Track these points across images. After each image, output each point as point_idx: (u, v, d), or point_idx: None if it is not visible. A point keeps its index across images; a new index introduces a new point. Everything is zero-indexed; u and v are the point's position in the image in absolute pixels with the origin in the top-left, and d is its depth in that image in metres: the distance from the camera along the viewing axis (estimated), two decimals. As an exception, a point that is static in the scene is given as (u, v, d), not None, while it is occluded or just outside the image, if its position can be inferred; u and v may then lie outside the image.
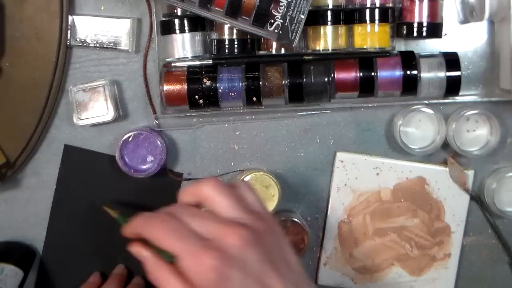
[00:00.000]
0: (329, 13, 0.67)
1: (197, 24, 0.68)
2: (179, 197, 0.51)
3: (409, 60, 0.68)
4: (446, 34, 0.72)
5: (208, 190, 0.49)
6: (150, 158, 0.71)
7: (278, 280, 0.46)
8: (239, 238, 0.46)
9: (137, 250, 0.49)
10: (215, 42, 0.69)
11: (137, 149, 0.70)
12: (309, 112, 0.72)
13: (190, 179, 0.74)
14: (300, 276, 0.49)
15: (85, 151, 0.73)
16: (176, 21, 0.68)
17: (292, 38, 0.64)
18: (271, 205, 0.69)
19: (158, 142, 0.70)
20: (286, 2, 0.62)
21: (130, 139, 0.70)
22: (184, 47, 0.68)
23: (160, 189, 0.74)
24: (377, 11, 0.67)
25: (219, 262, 0.44)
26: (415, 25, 0.68)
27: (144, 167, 0.71)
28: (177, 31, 0.68)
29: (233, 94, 0.68)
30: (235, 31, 0.68)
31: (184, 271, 0.45)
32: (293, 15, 0.63)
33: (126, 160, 0.70)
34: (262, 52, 0.69)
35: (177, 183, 0.74)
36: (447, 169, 0.72)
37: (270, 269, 0.46)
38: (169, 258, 0.46)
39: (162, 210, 0.49)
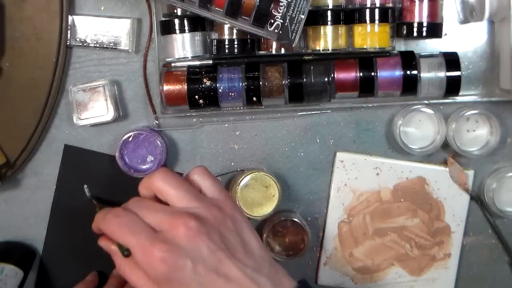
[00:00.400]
0: (329, 13, 0.67)
1: (197, 24, 0.68)
2: (138, 189, 0.52)
3: (409, 60, 0.68)
4: (446, 34, 0.72)
5: (157, 183, 0.50)
6: (150, 158, 0.71)
7: (235, 266, 0.47)
8: (186, 229, 0.46)
9: (104, 244, 0.50)
10: (215, 42, 0.69)
11: (137, 149, 0.70)
12: (309, 112, 0.72)
13: None
14: (262, 261, 0.49)
15: (85, 151, 0.73)
16: (176, 21, 0.68)
17: (292, 38, 0.64)
18: (271, 205, 0.69)
19: (158, 142, 0.70)
20: (286, 2, 0.62)
21: (130, 139, 0.70)
22: (184, 47, 0.68)
23: None
24: (377, 11, 0.67)
25: (167, 254, 0.45)
26: (415, 25, 0.68)
27: (144, 167, 0.71)
28: (177, 31, 0.68)
29: (233, 94, 0.68)
30: (235, 31, 0.68)
31: (139, 264, 0.47)
32: (293, 15, 0.63)
33: (126, 160, 0.70)
34: (262, 52, 0.69)
35: None
36: (447, 169, 0.72)
37: (224, 257, 0.47)
38: (126, 252, 0.47)
39: (122, 206, 0.50)
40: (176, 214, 0.48)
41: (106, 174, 0.73)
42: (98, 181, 0.73)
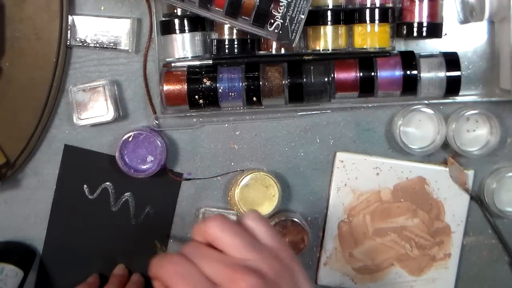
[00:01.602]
0: (329, 13, 0.67)
1: (197, 24, 0.68)
2: (192, 236, 0.50)
3: (409, 60, 0.68)
4: (446, 34, 0.72)
5: (213, 230, 0.47)
6: (150, 158, 0.71)
7: None
8: (246, 286, 0.44)
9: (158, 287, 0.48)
10: (215, 42, 0.69)
11: (137, 149, 0.70)
12: (309, 112, 0.72)
13: (190, 179, 0.74)
14: None
15: (85, 151, 0.73)
16: (176, 21, 0.68)
17: (292, 38, 0.64)
18: (271, 205, 0.69)
19: (158, 142, 0.70)
20: (286, 2, 0.62)
21: (130, 139, 0.70)
22: (184, 47, 0.68)
23: (160, 189, 0.74)
24: (377, 11, 0.67)
25: None
26: (415, 25, 0.68)
27: (144, 167, 0.71)
28: (177, 31, 0.68)
29: (233, 94, 0.68)
30: (235, 31, 0.68)
31: None
32: (293, 15, 0.63)
33: (126, 160, 0.70)
34: (262, 52, 0.69)
35: (177, 183, 0.74)
36: (447, 169, 0.72)
37: None
38: None
39: (179, 250, 0.48)
40: (236, 268, 0.45)
41: (106, 174, 0.73)
42: (98, 181, 0.74)
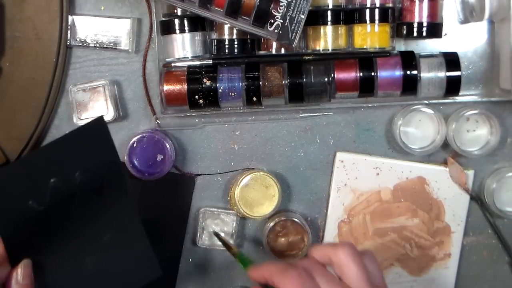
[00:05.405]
0: (329, 13, 0.67)
1: (197, 24, 0.68)
2: (310, 253, 0.52)
3: (409, 60, 0.68)
4: (446, 34, 0.72)
5: (343, 256, 0.50)
6: (159, 157, 0.70)
7: None
8: None
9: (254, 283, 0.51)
10: (215, 42, 0.69)
11: (144, 152, 0.70)
12: (311, 114, 0.72)
13: (199, 175, 0.73)
14: None
15: None
16: (176, 21, 0.68)
17: (292, 38, 0.64)
18: (271, 205, 0.69)
19: (163, 140, 0.70)
20: (286, 2, 0.62)
21: (135, 144, 0.70)
22: (184, 47, 0.68)
23: (172, 188, 0.73)
24: (377, 11, 0.67)
25: None
26: (415, 25, 0.68)
27: (157, 168, 0.70)
28: (177, 31, 0.68)
29: (233, 94, 0.68)
30: (235, 31, 0.68)
31: None
32: (293, 15, 0.63)
33: (137, 166, 0.69)
34: (262, 52, 0.69)
35: (191, 180, 0.73)
36: (447, 169, 0.72)
37: None
38: None
39: (297, 263, 0.50)
40: None
41: None
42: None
